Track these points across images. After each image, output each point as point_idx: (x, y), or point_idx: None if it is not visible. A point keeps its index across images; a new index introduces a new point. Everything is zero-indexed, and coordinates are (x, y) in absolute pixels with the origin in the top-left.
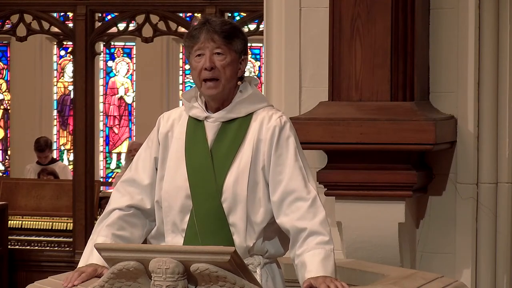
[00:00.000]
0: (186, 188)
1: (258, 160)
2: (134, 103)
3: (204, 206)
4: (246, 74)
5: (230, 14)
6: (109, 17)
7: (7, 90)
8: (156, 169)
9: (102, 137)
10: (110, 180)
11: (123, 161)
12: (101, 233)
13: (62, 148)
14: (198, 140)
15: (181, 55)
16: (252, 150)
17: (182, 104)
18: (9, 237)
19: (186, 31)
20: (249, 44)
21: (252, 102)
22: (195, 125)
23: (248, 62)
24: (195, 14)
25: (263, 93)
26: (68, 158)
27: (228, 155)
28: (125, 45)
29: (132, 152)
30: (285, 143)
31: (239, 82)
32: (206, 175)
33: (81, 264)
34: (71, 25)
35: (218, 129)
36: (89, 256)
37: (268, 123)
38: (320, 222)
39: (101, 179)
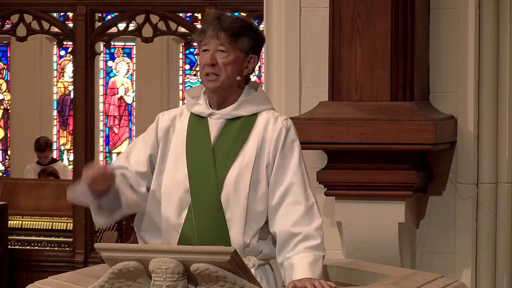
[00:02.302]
0: (185, 182)
1: (262, 159)
2: (134, 103)
3: (202, 201)
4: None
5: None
6: (109, 17)
7: (7, 90)
8: (151, 164)
9: (102, 137)
10: None
11: None
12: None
13: (62, 148)
14: (200, 135)
15: (181, 55)
16: (256, 148)
17: (183, 103)
18: (9, 237)
19: (186, 31)
20: None
21: (257, 102)
22: (197, 122)
23: None
24: (195, 14)
25: None
26: (68, 158)
27: (231, 151)
28: (125, 45)
29: None
30: (290, 145)
31: (239, 80)
32: (206, 169)
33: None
34: (71, 25)
35: (223, 126)
36: None
37: (274, 124)
38: (315, 228)
39: None
